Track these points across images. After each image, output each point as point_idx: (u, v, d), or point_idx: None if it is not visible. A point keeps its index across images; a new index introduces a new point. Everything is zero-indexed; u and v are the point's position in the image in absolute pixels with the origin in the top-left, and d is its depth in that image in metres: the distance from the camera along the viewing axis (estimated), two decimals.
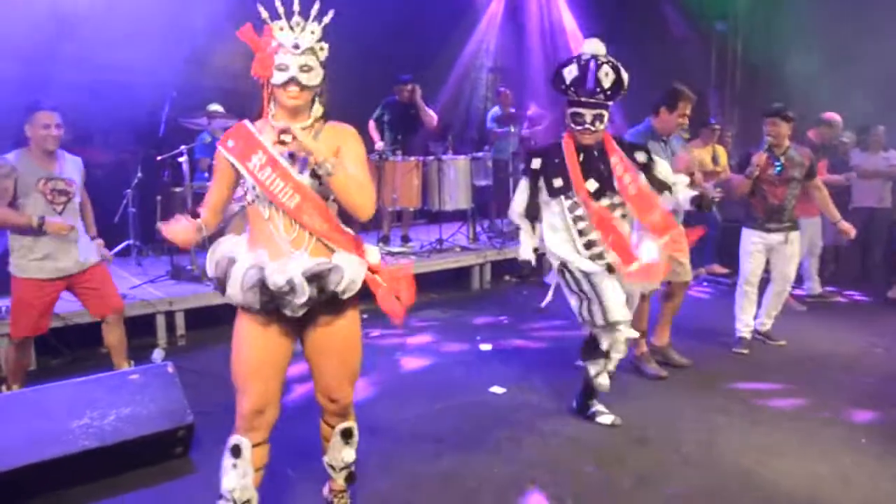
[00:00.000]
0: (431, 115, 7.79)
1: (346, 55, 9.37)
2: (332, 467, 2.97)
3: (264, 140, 2.61)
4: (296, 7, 2.60)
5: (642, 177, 3.79)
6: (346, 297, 2.62)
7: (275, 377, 2.67)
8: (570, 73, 3.62)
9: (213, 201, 2.73)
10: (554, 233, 3.86)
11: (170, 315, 5.67)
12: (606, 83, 3.57)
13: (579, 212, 3.76)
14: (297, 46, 2.56)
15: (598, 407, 4.10)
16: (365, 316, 6.19)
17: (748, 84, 10.11)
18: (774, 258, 5.49)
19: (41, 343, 4.99)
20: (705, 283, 7.77)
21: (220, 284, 2.62)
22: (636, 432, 3.98)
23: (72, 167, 4.32)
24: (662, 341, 5.08)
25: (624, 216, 3.83)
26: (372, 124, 7.72)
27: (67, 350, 5.20)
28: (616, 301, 3.75)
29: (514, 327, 6.00)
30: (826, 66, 8.68)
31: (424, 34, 9.39)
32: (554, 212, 3.84)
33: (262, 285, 2.50)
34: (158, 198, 6.60)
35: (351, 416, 2.92)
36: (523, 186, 3.93)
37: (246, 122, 2.69)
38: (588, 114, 3.64)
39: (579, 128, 3.68)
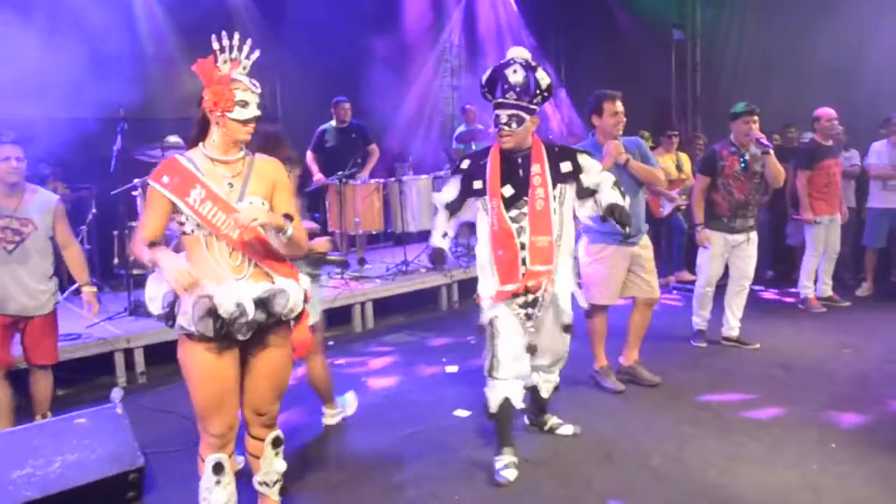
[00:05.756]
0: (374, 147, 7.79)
1: (301, 79, 9.37)
2: (266, 483, 3.01)
3: (200, 174, 2.69)
4: (236, 42, 2.69)
5: (553, 197, 3.59)
6: (288, 318, 2.77)
7: (236, 396, 2.79)
8: (486, 75, 3.63)
9: (151, 233, 2.72)
10: (482, 248, 3.71)
11: (129, 353, 5.51)
12: (513, 80, 3.49)
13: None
14: (255, 84, 2.70)
15: (498, 458, 3.69)
16: (331, 343, 6.24)
17: (708, 91, 10.16)
18: (734, 258, 5.59)
19: None
20: (674, 291, 7.74)
21: (169, 317, 2.66)
22: (603, 449, 3.90)
23: (37, 207, 4.14)
24: (630, 360, 4.98)
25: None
26: (310, 156, 7.49)
27: (20, 395, 5.01)
28: (508, 355, 3.63)
29: (481, 347, 5.88)
30: (784, 69, 8.76)
31: (379, 54, 9.37)
32: (484, 224, 3.67)
33: (214, 313, 2.56)
34: (115, 233, 6.46)
35: (276, 426, 3.01)
36: (453, 182, 3.77)
37: (177, 155, 2.75)
38: (503, 114, 3.54)
39: (496, 129, 3.59)
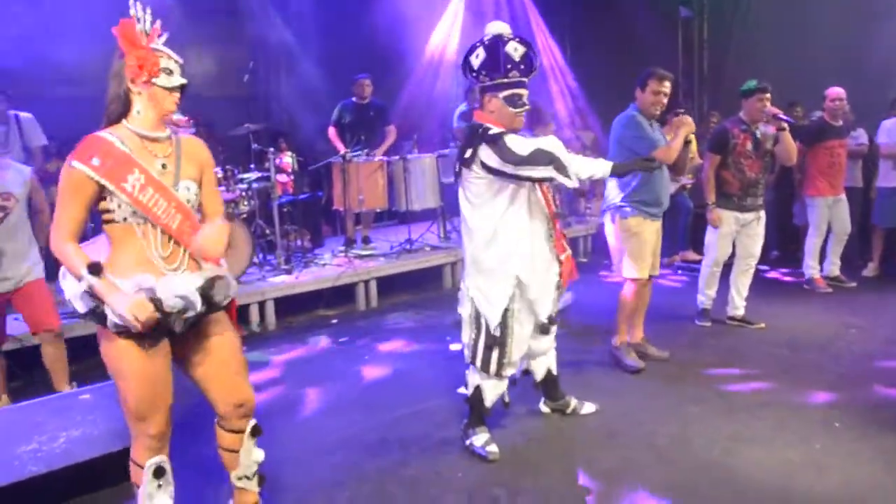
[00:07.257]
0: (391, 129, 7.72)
1: (304, 57, 9.29)
2: (248, 477, 2.87)
3: (136, 156, 2.46)
4: (148, 16, 2.50)
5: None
6: (224, 304, 2.64)
7: (169, 394, 2.61)
8: (478, 57, 3.39)
9: (74, 227, 2.41)
10: (519, 229, 3.52)
11: None
12: (517, 57, 3.35)
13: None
14: (178, 56, 2.54)
15: (475, 437, 3.67)
16: (335, 321, 6.24)
17: (716, 69, 10.09)
18: (742, 237, 5.55)
19: None
20: (679, 272, 7.72)
21: (98, 314, 2.40)
22: (606, 428, 3.90)
23: (15, 180, 4.17)
24: (636, 337, 4.99)
25: None
26: (332, 130, 7.49)
27: (23, 373, 5.04)
28: (518, 353, 3.60)
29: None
30: (791, 47, 8.67)
31: (384, 33, 9.29)
32: (522, 201, 3.49)
33: (157, 308, 2.39)
34: None
35: (252, 415, 2.86)
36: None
37: (101, 134, 2.45)
38: (524, 92, 3.41)
39: (519, 109, 3.40)
